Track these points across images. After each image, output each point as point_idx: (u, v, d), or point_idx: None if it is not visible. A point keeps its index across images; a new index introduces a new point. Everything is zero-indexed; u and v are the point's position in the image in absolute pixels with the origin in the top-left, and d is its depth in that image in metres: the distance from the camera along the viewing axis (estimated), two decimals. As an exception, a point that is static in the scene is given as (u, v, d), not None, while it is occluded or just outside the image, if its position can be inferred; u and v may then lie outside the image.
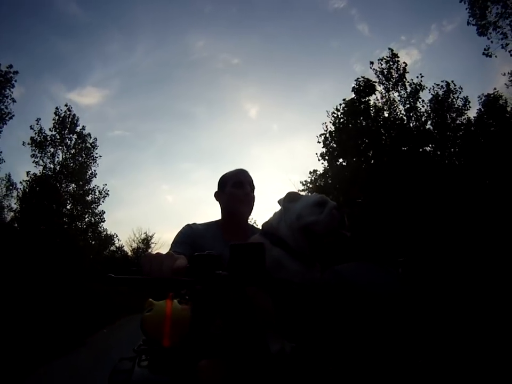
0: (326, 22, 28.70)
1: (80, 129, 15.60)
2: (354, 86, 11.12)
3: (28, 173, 14.43)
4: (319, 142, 11.49)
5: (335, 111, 11.31)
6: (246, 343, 0.94)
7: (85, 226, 15.96)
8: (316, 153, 11.49)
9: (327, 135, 11.34)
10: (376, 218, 8.14)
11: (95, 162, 15.89)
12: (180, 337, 1.28)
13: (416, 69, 25.50)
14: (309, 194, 1.10)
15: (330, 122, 11.39)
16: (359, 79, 11.11)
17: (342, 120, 11.22)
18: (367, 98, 11.04)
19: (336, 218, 0.96)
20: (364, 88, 11.02)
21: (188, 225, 1.28)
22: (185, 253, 1.07)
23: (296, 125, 36.62)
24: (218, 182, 1.38)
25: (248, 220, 1.38)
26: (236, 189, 1.29)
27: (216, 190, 1.39)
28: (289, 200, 1.07)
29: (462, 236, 6.73)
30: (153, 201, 40.95)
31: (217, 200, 1.37)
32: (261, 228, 1.16)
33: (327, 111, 11.48)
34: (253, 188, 1.34)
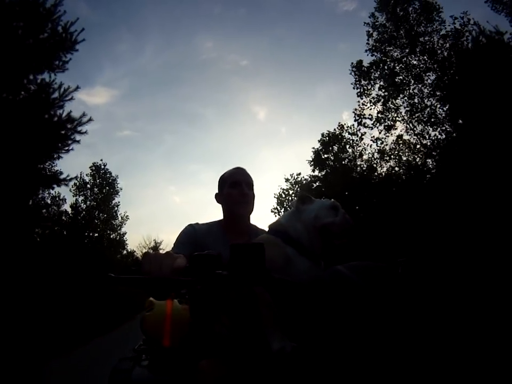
0: (335, 24, 28.45)
1: (112, 179, 21.35)
2: (320, 138, 13.23)
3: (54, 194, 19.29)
4: (275, 197, 14.21)
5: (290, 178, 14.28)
6: (248, 342, 0.94)
7: (114, 244, 21.22)
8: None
9: (281, 193, 14.12)
10: (377, 220, 8.15)
11: (118, 194, 21.66)
12: (180, 337, 1.28)
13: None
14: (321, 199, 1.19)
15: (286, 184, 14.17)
16: (324, 134, 13.18)
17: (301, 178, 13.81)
18: (331, 148, 13.04)
19: (349, 221, 1.07)
20: (329, 140, 12.97)
21: (190, 225, 1.27)
22: (187, 253, 1.06)
23: (304, 128, 36.65)
24: (218, 182, 1.37)
25: (251, 219, 1.36)
26: (232, 190, 1.27)
27: (217, 191, 1.37)
28: (303, 202, 1.14)
29: (463, 236, 6.73)
30: (161, 202, 41.79)
31: (218, 202, 1.35)
32: (267, 228, 1.16)
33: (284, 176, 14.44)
34: (251, 186, 1.32)
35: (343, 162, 12.57)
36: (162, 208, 41.70)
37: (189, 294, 1.20)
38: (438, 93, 10.20)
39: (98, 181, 20.95)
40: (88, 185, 20.41)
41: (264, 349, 0.86)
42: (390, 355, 0.75)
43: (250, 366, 0.90)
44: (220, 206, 1.36)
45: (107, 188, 21.32)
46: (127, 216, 22.17)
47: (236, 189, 1.27)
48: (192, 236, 1.22)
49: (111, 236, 21.52)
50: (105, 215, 20.88)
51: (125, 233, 22.42)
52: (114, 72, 33.73)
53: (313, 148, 13.23)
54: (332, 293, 0.90)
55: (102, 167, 21.44)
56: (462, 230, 6.83)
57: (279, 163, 37.94)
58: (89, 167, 21.10)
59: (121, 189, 22.00)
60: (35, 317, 6.24)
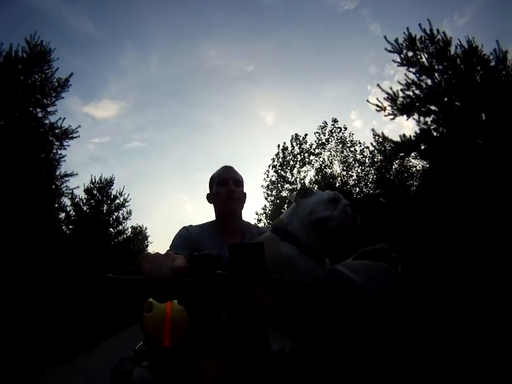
0: (337, 24, 28.30)
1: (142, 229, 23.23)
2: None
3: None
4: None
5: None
6: (248, 342, 0.94)
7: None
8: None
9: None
10: (377, 217, 8.17)
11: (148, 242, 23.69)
12: (180, 338, 1.28)
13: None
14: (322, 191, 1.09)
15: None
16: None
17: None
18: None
19: (349, 215, 0.96)
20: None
21: (185, 227, 1.28)
22: (184, 254, 1.07)
23: (313, 131, 36.41)
24: (208, 183, 1.39)
25: (243, 216, 1.37)
26: (220, 188, 1.30)
27: (208, 192, 1.39)
28: (302, 195, 1.07)
29: (463, 234, 6.74)
30: (173, 212, 42.06)
31: (209, 202, 1.37)
32: (271, 225, 1.15)
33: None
34: (240, 183, 1.33)
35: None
36: (175, 218, 42.23)
37: (188, 295, 1.19)
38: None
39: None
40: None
41: (264, 349, 0.85)
42: (390, 356, 0.75)
43: (250, 366, 0.90)
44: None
45: (140, 237, 24.16)
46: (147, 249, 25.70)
47: (223, 186, 1.29)
48: (187, 237, 1.22)
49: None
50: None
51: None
52: (121, 84, 34.06)
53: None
54: (331, 293, 0.89)
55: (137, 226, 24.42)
56: (462, 229, 6.84)
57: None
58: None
59: (151, 242, 24.32)
60: (37, 319, 6.16)
